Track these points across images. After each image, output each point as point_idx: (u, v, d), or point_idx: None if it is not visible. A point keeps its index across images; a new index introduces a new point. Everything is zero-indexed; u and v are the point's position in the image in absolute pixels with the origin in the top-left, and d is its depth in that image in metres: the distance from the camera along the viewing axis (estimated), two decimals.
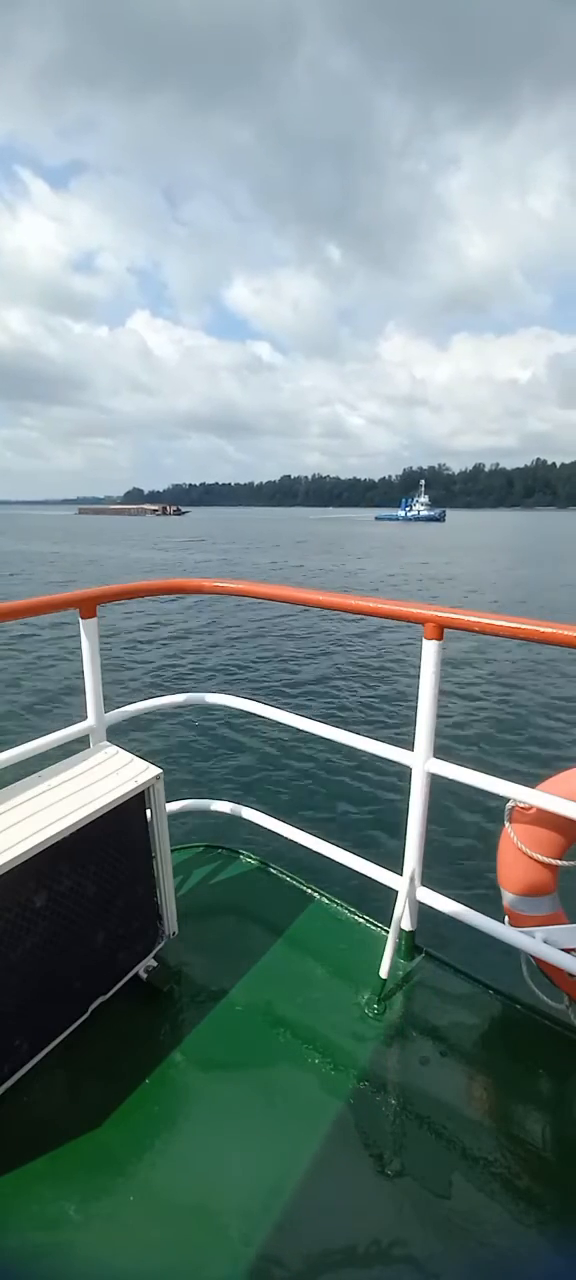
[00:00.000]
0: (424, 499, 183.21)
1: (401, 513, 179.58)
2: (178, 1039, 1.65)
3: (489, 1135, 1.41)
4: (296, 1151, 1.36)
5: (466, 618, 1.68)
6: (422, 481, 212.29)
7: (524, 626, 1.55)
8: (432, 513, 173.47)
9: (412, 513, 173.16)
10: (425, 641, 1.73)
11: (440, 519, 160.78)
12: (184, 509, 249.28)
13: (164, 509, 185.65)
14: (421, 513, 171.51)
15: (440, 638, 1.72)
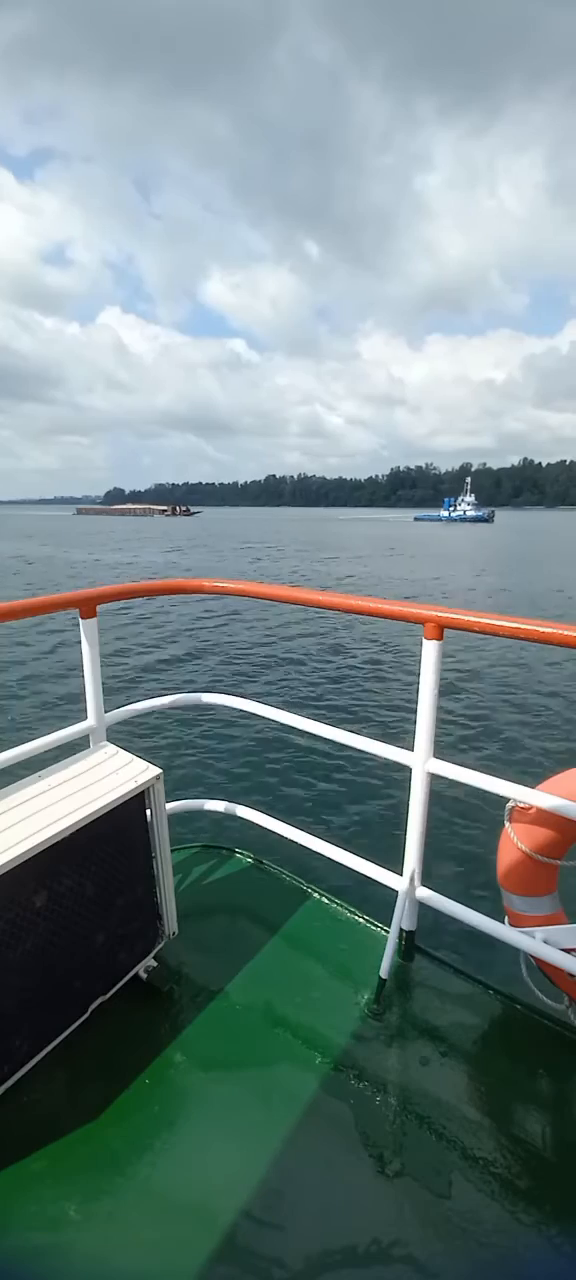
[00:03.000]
0: (470, 498, 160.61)
1: (444, 513, 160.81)
2: (177, 1039, 1.65)
3: (489, 1135, 1.41)
4: (296, 1151, 1.36)
5: (466, 618, 1.68)
6: (468, 479, 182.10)
7: (523, 626, 1.55)
8: (480, 513, 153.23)
9: (457, 513, 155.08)
10: (425, 641, 1.74)
11: (488, 519, 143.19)
12: (193, 509, 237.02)
13: (174, 509, 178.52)
14: (467, 513, 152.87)
15: (440, 638, 1.72)
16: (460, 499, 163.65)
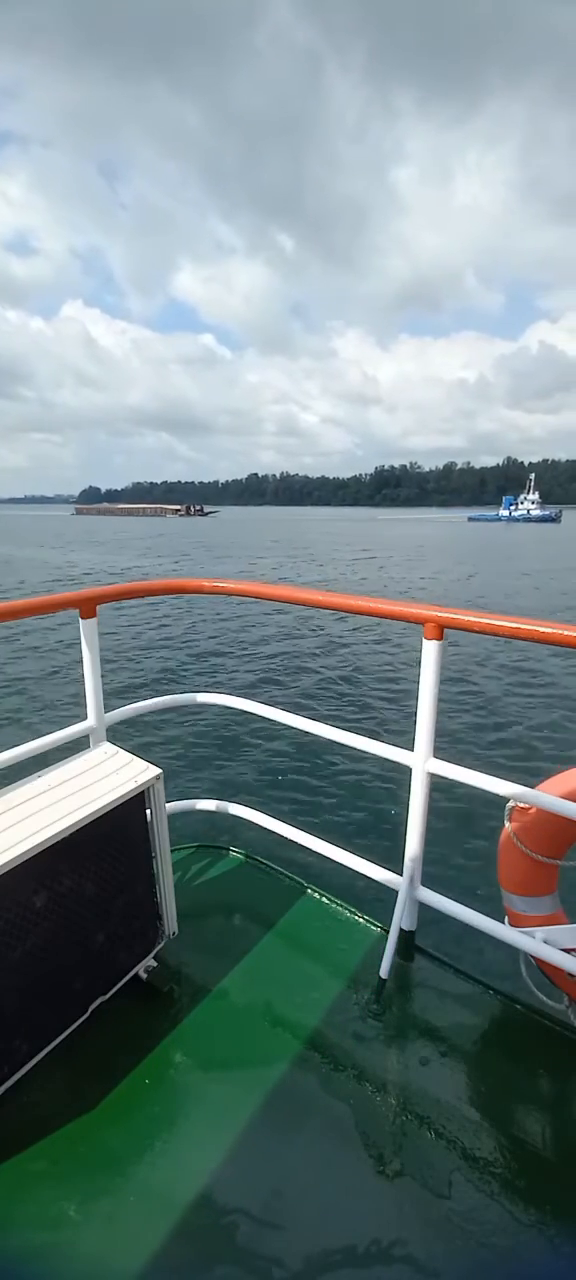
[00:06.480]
0: (533, 496, 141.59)
1: (505, 512, 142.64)
2: (177, 1039, 1.65)
3: (488, 1135, 1.41)
4: (296, 1151, 1.36)
5: (466, 618, 1.68)
6: (532, 476, 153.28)
7: (523, 627, 1.55)
8: (546, 512, 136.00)
9: (520, 512, 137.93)
10: (425, 641, 1.74)
11: (555, 519, 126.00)
12: (208, 509, 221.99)
13: (188, 509, 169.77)
14: (531, 512, 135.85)
15: (440, 638, 1.72)
16: (523, 497, 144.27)
